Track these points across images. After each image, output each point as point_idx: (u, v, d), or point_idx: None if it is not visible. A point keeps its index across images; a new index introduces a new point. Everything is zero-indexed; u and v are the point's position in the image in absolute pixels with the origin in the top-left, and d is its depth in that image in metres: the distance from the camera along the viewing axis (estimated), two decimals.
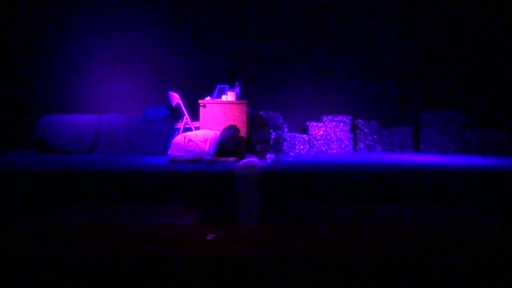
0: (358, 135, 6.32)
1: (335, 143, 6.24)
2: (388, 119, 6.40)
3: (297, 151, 6.13)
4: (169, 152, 4.70)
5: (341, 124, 6.27)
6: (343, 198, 3.76)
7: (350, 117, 6.34)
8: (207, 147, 4.62)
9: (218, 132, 4.81)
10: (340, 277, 1.90)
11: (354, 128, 6.36)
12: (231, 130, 4.78)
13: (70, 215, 3.63)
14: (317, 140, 6.22)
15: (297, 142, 6.16)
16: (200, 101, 5.19)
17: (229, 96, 5.20)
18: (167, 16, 6.54)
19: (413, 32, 6.49)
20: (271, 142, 5.68)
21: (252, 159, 4.54)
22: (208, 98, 5.27)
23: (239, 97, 5.23)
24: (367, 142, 6.29)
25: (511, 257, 1.97)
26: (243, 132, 4.99)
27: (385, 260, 1.93)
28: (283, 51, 6.53)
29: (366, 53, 6.56)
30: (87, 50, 6.53)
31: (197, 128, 5.28)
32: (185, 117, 5.44)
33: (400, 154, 5.81)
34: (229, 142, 4.72)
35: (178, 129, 5.46)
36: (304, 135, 6.22)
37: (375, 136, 6.27)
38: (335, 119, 6.31)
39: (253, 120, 5.46)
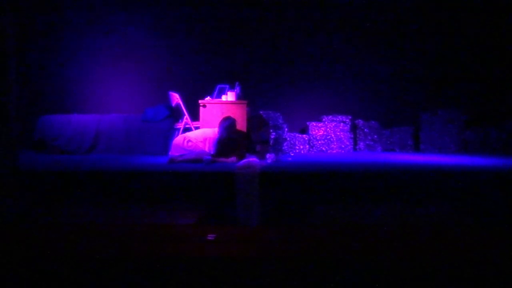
0: (358, 135, 6.31)
1: (335, 143, 6.23)
2: (388, 119, 6.39)
3: (297, 151, 6.12)
4: (169, 153, 4.70)
5: (341, 124, 6.27)
6: (343, 198, 3.77)
7: (350, 117, 6.33)
8: (206, 147, 4.61)
9: (216, 130, 4.78)
10: (340, 276, 1.90)
11: (354, 128, 6.35)
12: (227, 122, 4.70)
13: (70, 215, 3.63)
14: (317, 140, 6.22)
15: (297, 142, 6.15)
16: (200, 101, 5.19)
17: (229, 96, 5.20)
18: (167, 16, 6.53)
19: (412, 32, 6.48)
20: (271, 142, 5.67)
21: (252, 159, 4.54)
22: (208, 98, 5.28)
23: (239, 97, 5.23)
24: (367, 142, 6.28)
25: (511, 257, 1.97)
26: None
27: (385, 260, 1.93)
28: (283, 51, 6.53)
29: (366, 53, 6.55)
30: (87, 50, 6.51)
31: (197, 128, 5.28)
32: (185, 117, 5.45)
33: (400, 154, 5.81)
34: (228, 136, 4.65)
35: (178, 129, 5.46)
36: (304, 135, 6.22)
37: (375, 136, 6.27)
38: (335, 119, 6.30)
39: (253, 120, 5.46)
